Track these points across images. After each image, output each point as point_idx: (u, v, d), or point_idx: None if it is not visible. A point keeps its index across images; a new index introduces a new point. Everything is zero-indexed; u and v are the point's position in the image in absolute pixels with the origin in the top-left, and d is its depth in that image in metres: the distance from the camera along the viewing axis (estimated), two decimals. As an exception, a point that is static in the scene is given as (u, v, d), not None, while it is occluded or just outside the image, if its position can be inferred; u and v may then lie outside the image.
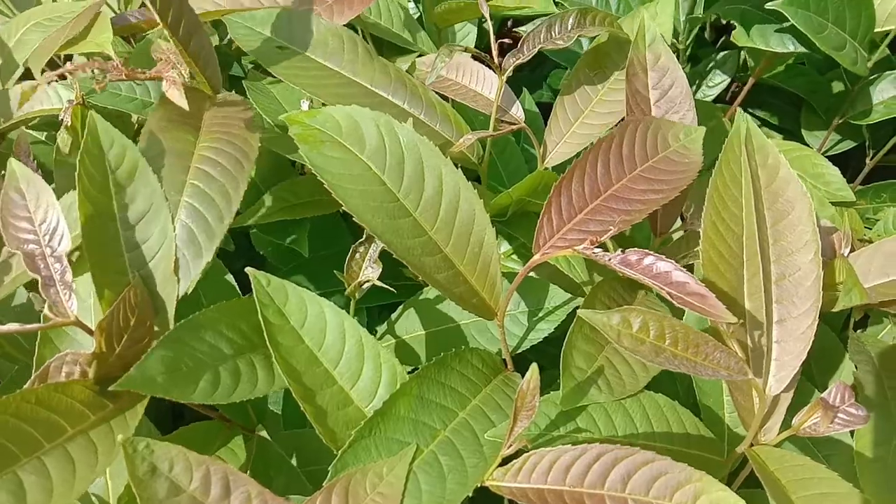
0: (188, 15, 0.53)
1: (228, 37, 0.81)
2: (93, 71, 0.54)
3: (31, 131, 0.76)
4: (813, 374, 0.61)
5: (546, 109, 0.79)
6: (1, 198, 0.43)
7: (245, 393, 0.41)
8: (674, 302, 0.38)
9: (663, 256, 0.39)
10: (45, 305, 0.39)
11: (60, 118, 0.62)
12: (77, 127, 0.65)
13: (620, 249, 0.40)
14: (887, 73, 0.74)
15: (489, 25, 0.57)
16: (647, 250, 0.40)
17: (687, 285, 0.38)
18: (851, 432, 0.52)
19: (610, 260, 0.40)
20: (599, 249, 0.41)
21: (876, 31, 0.70)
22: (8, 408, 0.36)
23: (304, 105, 0.68)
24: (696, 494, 0.38)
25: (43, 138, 0.77)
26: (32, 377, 0.40)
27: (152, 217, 0.45)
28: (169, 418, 0.66)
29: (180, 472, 0.36)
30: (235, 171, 0.48)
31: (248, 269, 0.44)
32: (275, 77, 0.74)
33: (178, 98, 0.49)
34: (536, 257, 0.44)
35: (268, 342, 0.42)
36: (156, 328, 0.43)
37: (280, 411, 0.58)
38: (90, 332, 0.41)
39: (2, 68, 0.65)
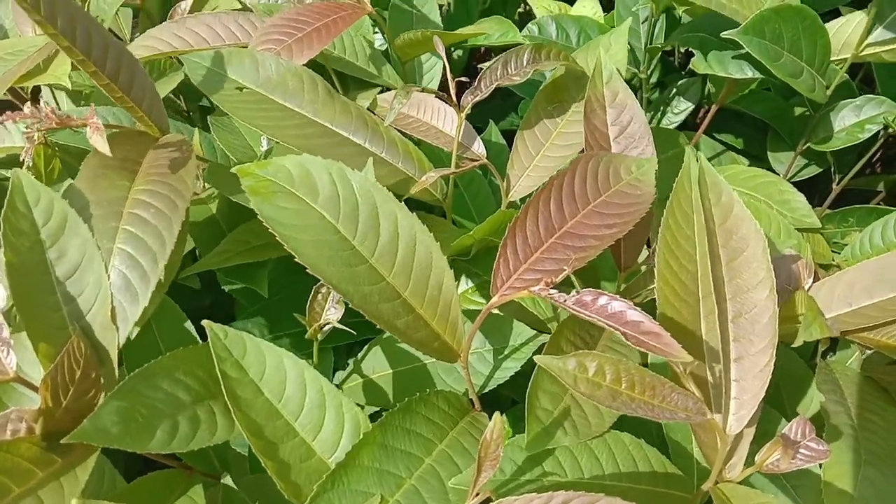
0: (128, 62, 0.52)
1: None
2: (28, 119, 0.53)
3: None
4: (782, 402, 0.61)
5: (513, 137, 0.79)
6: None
7: (204, 440, 0.41)
8: (628, 342, 0.38)
9: (617, 296, 0.39)
10: None
11: (21, 159, 0.61)
12: (39, 167, 0.64)
13: (575, 291, 0.40)
14: (847, 101, 0.75)
15: (445, 62, 0.57)
16: (601, 291, 0.39)
17: (641, 324, 0.38)
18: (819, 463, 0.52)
19: (565, 301, 0.40)
20: (555, 290, 0.41)
21: (833, 59, 0.71)
22: None
23: (264, 143, 0.67)
24: (659, 540, 0.37)
25: (9, 174, 0.76)
26: None
27: (86, 267, 0.45)
28: (140, 462, 0.64)
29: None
30: (169, 212, 0.47)
31: (204, 322, 0.43)
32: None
33: (102, 145, 0.47)
34: (494, 299, 0.44)
35: (226, 397, 0.41)
36: (101, 379, 0.42)
37: (246, 452, 0.57)
38: (33, 387, 0.40)
39: None
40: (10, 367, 0.38)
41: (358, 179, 0.44)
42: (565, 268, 0.41)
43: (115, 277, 0.44)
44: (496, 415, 0.40)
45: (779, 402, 0.60)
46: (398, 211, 0.45)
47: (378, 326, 0.43)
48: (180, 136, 0.51)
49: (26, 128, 0.47)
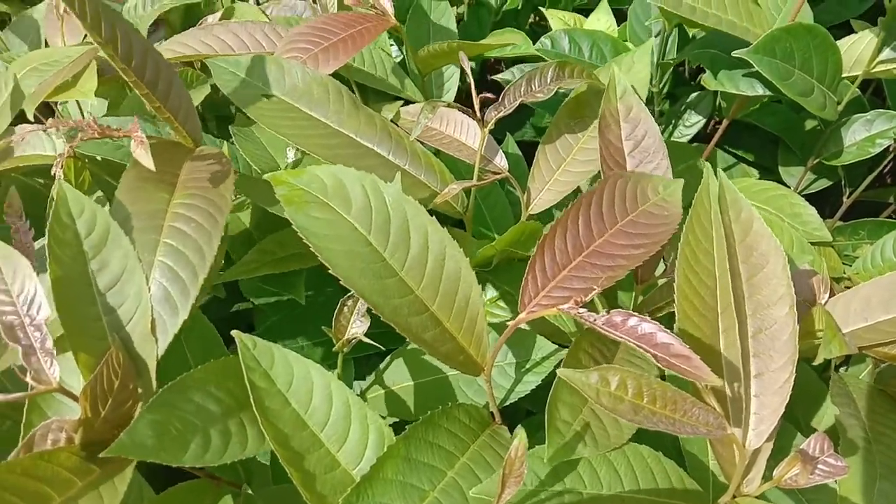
0: (165, 72, 0.53)
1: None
2: (69, 128, 0.54)
3: (26, 178, 0.76)
4: (797, 416, 0.62)
5: (529, 148, 0.80)
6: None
7: (235, 454, 0.41)
8: (658, 364, 0.39)
9: (647, 318, 0.40)
10: (28, 374, 0.39)
11: (53, 172, 0.62)
12: (71, 178, 0.65)
13: (605, 310, 0.41)
14: (858, 115, 0.76)
15: (471, 80, 0.58)
16: (630, 312, 0.40)
17: (671, 347, 0.39)
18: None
19: (595, 321, 0.40)
20: (584, 309, 0.42)
21: (844, 75, 0.72)
22: None
23: (290, 154, 0.68)
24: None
25: (40, 185, 0.77)
26: (18, 446, 0.40)
27: (127, 279, 0.45)
28: (162, 472, 0.65)
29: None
30: (209, 226, 0.48)
31: (234, 333, 0.44)
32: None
33: (146, 159, 0.48)
34: (522, 315, 0.45)
35: (254, 407, 0.42)
36: (139, 390, 0.43)
37: (269, 462, 0.58)
38: (74, 397, 0.41)
39: (11, 103, 0.66)
40: (54, 377, 0.39)
41: (390, 192, 0.45)
42: (594, 287, 0.42)
43: (155, 290, 0.45)
44: (520, 432, 0.41)
45: (793, 416, 0.61)
46: (429, 224, 0.46)
47: (406, 338, 0.44)
48: (215, 149, 0.52)
49: (64, 137, 0.47)
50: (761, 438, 0.44)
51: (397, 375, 0.57)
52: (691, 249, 0.47)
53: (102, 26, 0.47)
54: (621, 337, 0.40)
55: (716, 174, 0.50)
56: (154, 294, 0.44)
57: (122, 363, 0.41)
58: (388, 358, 0.58)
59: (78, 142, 0.48)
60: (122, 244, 0.45)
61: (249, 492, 0.50)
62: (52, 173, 0.62)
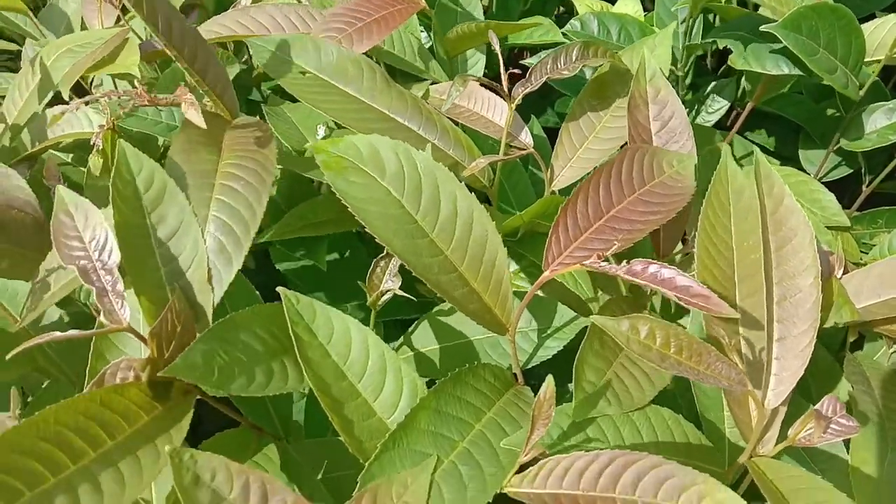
0: (202, 49, 0.56)
1: (246, 61, 0.85)
2: (119, 98, 0.57)
3: (58, 153, 0.80)
4: (811, 394, 0.63)
5: (552, 133, 0.82)
6: (52, 222, 0.46)
7: (278, 389, 0.44)
8: (680, 303, 0.41)
9: (665, 264, 0.42)
10: (101, 314, 0.42)
11: (92, 142, 0.65)
12: (107, 150, 0.68)
13: (626, 262, 0.43)
14: (881, 103, 0.78)
15: (499, 54, 0.60)
16: (650, 260, 0.42)
17: (690, 288, 0.41)
18: (847, 447, 0.55)
19: (617, 270, 0.43)
20: (605, 263, 0.44)
21: (866, 60, 0.73)
22: (78, 407, 0.39)
23: (321, 131, 0.71)
24: (700, 496, 0.40)
25: (70, 160, 0.81)
26: (90, 383, 0.43)
27: (183, 232, 0.48)
28: (209, 426, 0.68)
29: (222, 481, 0.38)
30: (258, 184, 0.51)
31: (279, 289, 0.47)
32: (293, 102, 0.78)
33: (197, 118, 0.52)
34: (546, 274, 0.47)
35: (298, 357, 0.45)
36: (197, 335, 0.46)
37: (303, 422, 0.60)
38: (141, 338, 0.44)
39: (38, 89, 0.69)
40: (125, 317, 0.42)
41: (422, 159, 0.48)
42: (616, 242, 0.44)
43: (210, 242, 0.48)
44: (549, 377, 0.43)
45: (807, 393, 0.63)
46: (458, 190, 0.48)
47: (436, 296, 0.47)
48: (254, 119, 0.55)
49: (120, 105, 0.50)
50: (780, 398, 0.46)
51: (424, 339, 0.59)
52: (710, 223, 0.50)
53: (144, 5, 0.50)
54: (643, 282, 0.42)
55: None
56: (209, 246, 0.47)
57: (183, 309, 0.44)
58: (415, 323, 0.60)
59: (128, 108, 0.51)
60: (178, 200, 0.48)
61: (287, 444, 0.53)
62: (91, 143, 0.65)
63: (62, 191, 0.48)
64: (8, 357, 0.45)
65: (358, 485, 0.42)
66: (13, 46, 1.27)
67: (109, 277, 0.44)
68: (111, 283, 0.43)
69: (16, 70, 1.00)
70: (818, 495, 0.43)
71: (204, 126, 0.48)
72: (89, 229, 0.46)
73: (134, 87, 0.81)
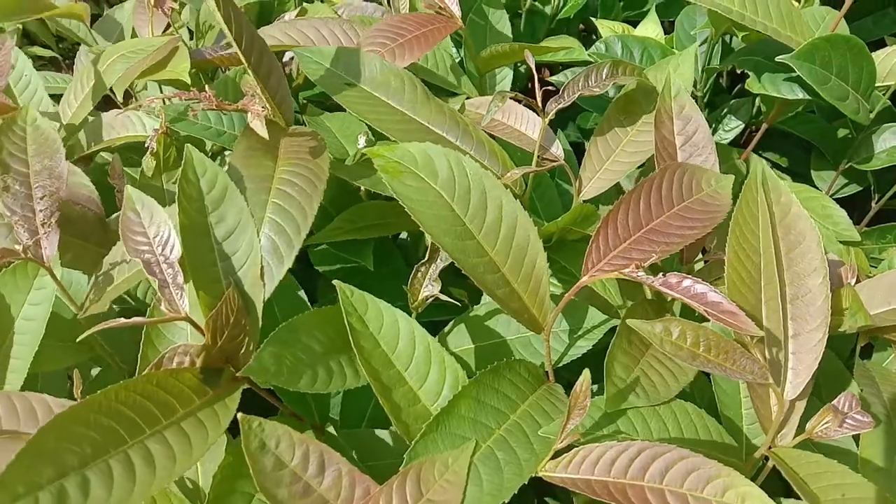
0: (267, 57, 0.60)
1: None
2: (188, 100, 0.61)
3: (104, 154, 0.84)
4: (822, 398, 0.67)
5: (574, 147, 0.86)
6: (121, 218, 0.50)
7: (339, 385, 0.48)
8: (710, 318, 0.44)
9: (699, 279, 0.46)
10: (162, 304, 0.46)
11: (147, 145, 0.69)
12: (159, 153, 0.72)
13: (662, 274, 0.47)
14: (889, 124, 0.81)
15: (534, 72, 0.64)
16: (684, 274, 0.46)
17: (721, 304, 0.45)
18: (857, 442, 0.58)
19: (653, 282, 0.46)
20: (642, 273, 0.47)
21: (878, 85, 0.77)
22: (136, 387, 0.43)
23: (361, 140, 0.75)
24: (724, 488, 0.43)
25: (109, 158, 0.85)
26: (150, 365, 0.46)
27: (240, 232, 0.52)
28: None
29: (284, 448, 0.42)
30: (310, 190, 0.55)
31: (335, 282, 0.50)
32: (331, 112, 0.82)
33: (260, 129, 0.56)
34: (585, 279, 0.50)
35: (352, 345, 0.48)
36: (248, 327, 0.49)
37: (338, 416, 0.64)
38: (197, 327, 0.47)
39: (92, 92, 0.73)
40: (184, 307, 0.46)
41: (471, 166, 0.51)
42: (654, 253, 0.47)
43: (264, 241, 0.51)
44: (585, 370, 0.47)
45: (819, 397, 0.66)
46: (503, 196, 0.52)
47: (467, 300, 0.50)
48: (306, 128, 0.59)
49: (189, 108, 0.54)
50: (797, 390, 0.49)
51: (459, 339, 0.63)
52: (740, 229, 0.53)
53: (222, 8, 0.54)
54: (676, 295, 0.46)
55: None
56: (263, 245, 0.51)
57: (238, 302, 0.47)
58: (450, 324, 0.64)
59: (198, 111, 0.54)
60: (237, 201, 0.52)
61: (331, 430, 0.56)
62: (146, 146, 0.69)
63: (130, 190, 0.52)
64: (79, 339, 0.49)
65: (404, 461, 0.46)
66: (48, 52, 1.32)
67: (171, 271, 0.48)
68: (172, 276, 0.47)
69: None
70: (835, 478, 0.46)
71: (266, 136, 0.52)
72: (154, 226, 0.50)
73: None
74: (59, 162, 0.56)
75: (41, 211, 0.53)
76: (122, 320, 0.47)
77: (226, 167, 0.54)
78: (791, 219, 0.53)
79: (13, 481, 0.36)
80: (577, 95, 0.64)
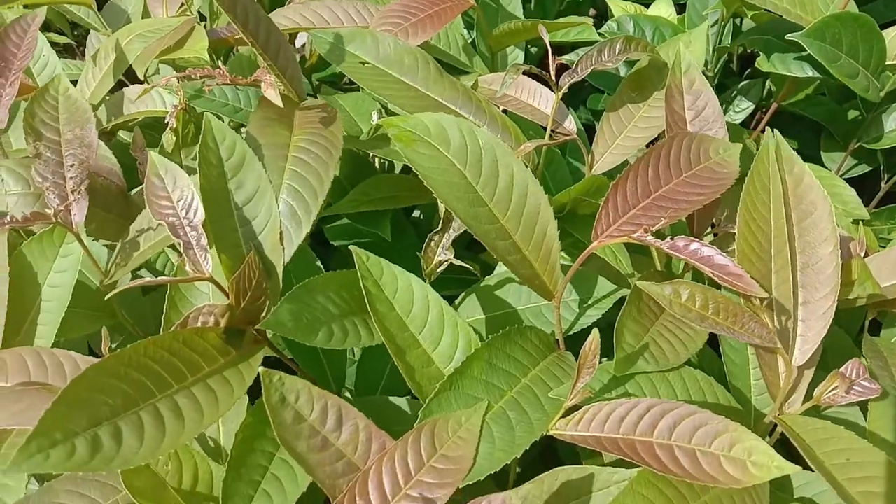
0: (275, 34, 0.62)
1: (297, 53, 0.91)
2: (202, 77, 0.62)
3: (124, 135, 0.85)
4: (829, 370, 0.68)
5: (585, 129, 0.87)
6: (145, 182, 0.52)
7: (354, 343, 0.49)
8: (716, 280, 0.45)
9: (706, 243, 0.47)
10: (187, 265, 0.47)
11: (166, 121, 0.71)
12: (178, 129, 0.73)
13: (669, 237, 0.48)
14: (900, 102, 0.82)
15: (548, 46, 0.65)
16: (692, 238, 0.47)
17: (727, 267, 0.46)
18: (864, 415, 0.59)
19: (661, 245, 0.47)
20: (651, 237, 0.48)
21: (888, 63, 0.77)
22: (162, 344, 0.44)
23: (375, 117, 0.76)
24: (731, 442, 0.44)
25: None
26: (176, 324, 0.48)
27: (259, 197, 0.54)
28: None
29: (304, 403, 0.43)
30: (326, 157, 0.57)
31: (351, 247, 0.52)
32: (344, 92, 0.83)
33: (275, 97, 0.57)
34: (595, 244, 0.51)
35: (368, 308, 0.50)
36: (268, 290, 0.50)
37: (353, 386, 0.65)
38: (221, 288, 0.49)
39: (113, 68, 0.75)
40: (208, 268, 0.47)
41: (483, 135, 0.52)
42: (663, 219, 0.48)
43: (283, 207, 0.53)
44: (594, 330, 0.48)
45: (826, 372, 0.67)
46: (514, 165, 0.53)
47: (478, 271, 0.51)
48: (320, 101, 0.60)
49: (204, 83, 0.55)
50: (805, 356, 0.50)
51: (471, 310, 0.64)
52: (751, 200, 0.54)
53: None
54: (684, 258, 0.47)
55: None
56: (282, 210, 0.53)
57: (259, 266, 0.49)
58: (462, 295, 0.65)
59: (213, 86, 0.56)
60: (255, 168, 0.53)
61: (347, 395, 0.57)
62: (166, 122, 0.71)
63: (154, 156, 0.53)
64: (108, 297, 0.50)
65: (419, 418, 0.47)
66: (63, 39, 1.34)
67: (195, 233, 0.49)
68: (196, 238, 0.48)
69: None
70: (841, 443, 0.47)
71: (280, 104, 0.54)
72: (178, 190, 0.51)
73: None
74: (90, 131, 0.57)
75: (72, 178, 0.55)
76: (150, 279, 0.48)
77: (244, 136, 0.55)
78: (803, 189, 0.53)
79: (50, 428, 0.38)
80: (590, 70, 0.64)
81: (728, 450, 0.44)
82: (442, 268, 0.59)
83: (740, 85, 0.94)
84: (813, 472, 0.46)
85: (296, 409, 0.43)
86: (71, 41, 1.34)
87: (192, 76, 0.60)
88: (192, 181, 0.54)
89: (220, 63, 0.67)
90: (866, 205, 0.88)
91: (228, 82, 0.58)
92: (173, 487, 0.51)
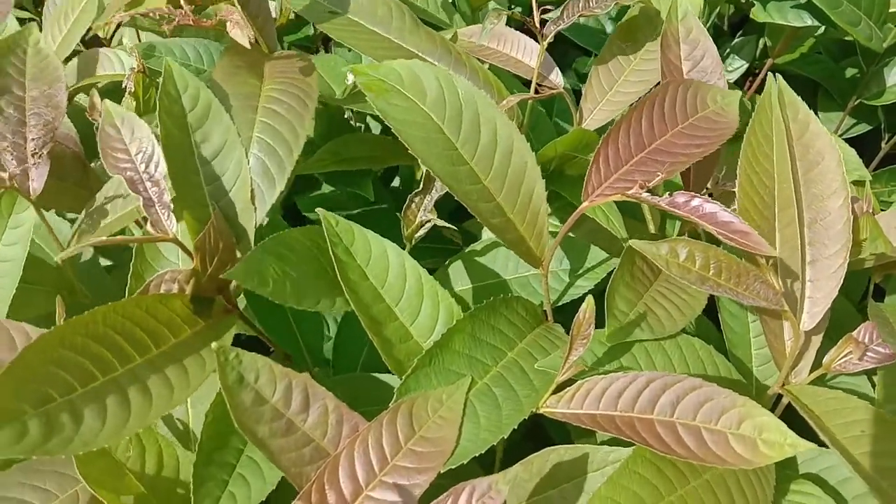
0: (245, -19, 0.56)
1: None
2: (166, 16, 0.57)
3: (80, 100, 0.80)
4: (833, 340, 0.64)
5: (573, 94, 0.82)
6: (99, 133, 0.46)
7: (327, 307, 0.45)
8: (721, 238, 0.41)
9: (708, 198, 0.42)
10: (148, 224, 0.42)
11: (124, 85, 0.65)
12: (139, 93, 0.68)
13: (668, 193, 0.43)
14: (902, 56, 0.78)
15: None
16: (693, 193, 0.43)
17: (732, 224, 0.41)
18: (873, 385, 0.55)
19: (659, 202, 0.43)
20: (648, 193, 0.44)
21: (891, 11, 0.73)
22: (123, 311, 0.39)
23: (350, 77, 0.71)
24: (740, 419, 0.41)
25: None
26: (137, 292, 0.43)
27: (227, 152, 0.49)
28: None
29: (265, 383, 0.39)
30: (300, 109, 0.51)
31: (318, 210, 0.47)
32: (315, 54, 0.77)
33: (240, 37, 0.52)
34: (585, 204, 0.47)
35: (339, 277, 0.45)
36: (238, 254, 0.46)
37: (330, 364, 0.61)
38: (186, 250, 0.44)
39: (75, 26, 0.69)
40: (171, 228, 0.42)
41: (463, 85, 0.48)
42: (659, 173, 0.44)
43: (254, 163, 0.48)
44: (588, 297, 0.43)
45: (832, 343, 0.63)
46: (497, 118, 0.48)
47: (460, 241, 0.46)
48: (293, 52, 0.55)
49: (165, 20, 0.50)
50: (814, 321, 0.46)
51: (457, 278, 0.59)
52: (753, 152, 0.50)
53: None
54: (684, 215, 0.42)
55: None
56: (253, 167, 0.48)
57: (224, 227, 0.44)
58: (448, 261, 0.60)
59: (173, 26, 0.51)
60: (222, 119, 0.48)
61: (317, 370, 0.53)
62: (123, 86, 0.65)
63: (109, 104, 0.48)
64: (61, 256, 0.44)
65: (395, 396, 0.42)
66: (24, 14, 1.26)
67: (156, 189, 0.44)
68: (157, 195, 0.44)
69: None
70: (856, 414, 0.43)
71: (247, 45, 0.49)
72: (136, 141, 0.46)
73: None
74: (59, 91, 0.51)
75: (33, 140, 0.49)
76: (109, 238, 0.43)
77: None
78: (809, 136, 0.49)
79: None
80: (577, 16, 0.60)
81: (736, 427, 0.40)
82: (423, 230, 0.54)
83: (733, 42, 0.90)
84: (819, 446, 0.42)
85: (256, 389, 0.38)
86: (34, 17, 1.27)
87: (150, 15, 0.55)
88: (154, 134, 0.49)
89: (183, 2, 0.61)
90: (866, 166, 0.85)
91: (191, 23, 0.53)
92: (135, 473, 0.47)
